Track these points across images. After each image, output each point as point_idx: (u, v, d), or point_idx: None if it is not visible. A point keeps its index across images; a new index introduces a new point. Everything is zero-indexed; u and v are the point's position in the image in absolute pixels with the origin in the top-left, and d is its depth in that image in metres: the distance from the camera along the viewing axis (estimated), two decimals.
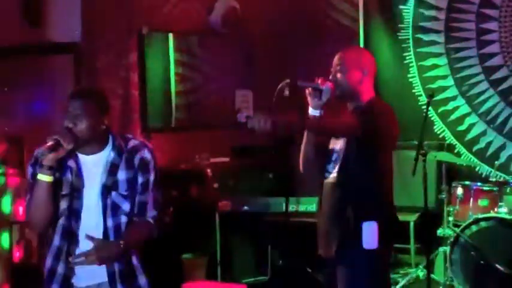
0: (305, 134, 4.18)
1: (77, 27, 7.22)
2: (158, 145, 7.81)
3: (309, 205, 6.45)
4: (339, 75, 4.11)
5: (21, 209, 6.40)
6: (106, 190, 3.69)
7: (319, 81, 4.07)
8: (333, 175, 4.10)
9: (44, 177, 3.54)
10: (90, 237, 3.58)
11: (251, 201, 6.74)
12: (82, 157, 3.70)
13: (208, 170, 7.23)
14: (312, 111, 4.07)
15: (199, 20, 8.35)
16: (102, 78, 7.46)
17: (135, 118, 7.70)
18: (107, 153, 3.71)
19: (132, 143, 3.78)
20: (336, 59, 4.16)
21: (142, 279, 3.82)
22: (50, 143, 3.48)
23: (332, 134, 4.11)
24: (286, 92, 3.82)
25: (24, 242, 6.82)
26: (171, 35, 8.05)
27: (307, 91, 4.09)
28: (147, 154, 3.76)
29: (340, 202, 4.04)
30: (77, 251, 3.67)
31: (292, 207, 6.43)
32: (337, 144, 4.14)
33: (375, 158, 4.06)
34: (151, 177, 3.77)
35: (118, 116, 7.49)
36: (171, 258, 6.93)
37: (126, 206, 3.73)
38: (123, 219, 3.73)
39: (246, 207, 6.72)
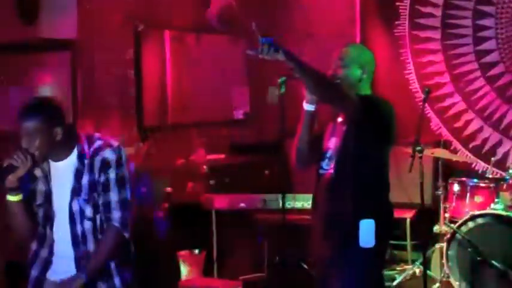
0: (300, 127, 4.14)
1: (73, 24, 7.21)
2: (154, 142, 7.84)
3: (305, 202, 6.44)
4: (339, 70, 4.10)
5: None
6: (73, 196, 3.69)
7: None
8: (328, 172, 4.09)
9: (13, 198, 3.62)
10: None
11: (247, 198, 6.73)
12: (52, 164, 3.73)
13: (205, 167, 7.23)
14: (307, 106, 4.07)
15: (196, 17, 8.35)
16: (99, 75, 7.46)
17: (131, 115, 7.69)
18: (73, 160, 3.71)
19: (96, 144, 3.73)
20: (337, 55, 4.16)
21: (116, 281, 3.78)
22: (4, 166, 3.53)
23: (331, 92, 3.93)
24: (283, 90, 3.80)
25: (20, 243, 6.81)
26: (167, 32, 8.04)
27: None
28: (108, 154, 3.69)
29: (337, 199, 4.04)
30: (53, 258, 3.74)
31: (288, 204, 6.42)
32: (332, 142, 4.13)
33: (374, 153, 4.07)
34: (112, 175, 3.70)
35: (115, 113, 7.49)
36: (168, 255, 6.94)
37: (88, 211, 3.70)
38: (87, 224, 3.70)
39: (242, 204, 6.72)
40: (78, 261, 3.69)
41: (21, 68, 7.36)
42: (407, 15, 8.31)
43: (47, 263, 3.77)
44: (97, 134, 3.82)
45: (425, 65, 8.24)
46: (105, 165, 3.68)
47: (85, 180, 3.69)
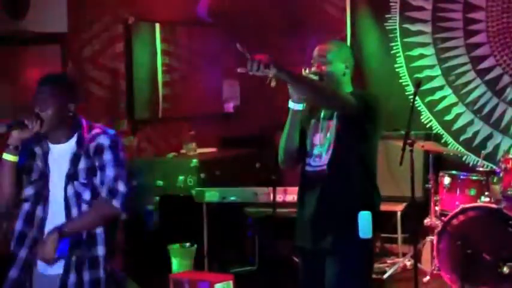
0: (288, 124, 4.09)
1: (63, 18, 7.19)
2: (145, 135, 7.84)
3: (296, 195, 6.44)
4: (324, 67, 4.07)
5: None
6: (68, 180, 3.73)
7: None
8: (319, 168, 4.07)
9: (9, 157, 3.65)
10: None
11: (238, 191, 6.73)
12: (51, 146, 3.78)
13: (195, 160, 7.22)
14: (296, 106, 4.00)
15: (186, 10, 8.34)
16: (89, 69, 7.45)
17: (122, 108, 7.69)
18: (72, 144, 3.77)
19: (94, 131, 3.80)
20: (317, 52, 4.12)
21: (100, 270, 3.77)
22: (10, 122, 3.57)
23: (330, 98, 3.94)
24: (273, 83, 3.78)
25: (9, 234, 6.78)
26: (157, 25, 8.03)
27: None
28: (103, 139, 3.77)
29: (333, 195, 4.03)
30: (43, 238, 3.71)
31: (279, 197, 6.42)
32: (318, 138, 4.11)
33: (367, 146, 4.08)
34: (108, 157, 3.75)
35: (105, 106, 7.48)
36: (158, 249, 6.93)
37: (86, 195, 3.74)
38: (84, 208, 3.74)
39: (233, 197, 6.72)
40: (70, 243, 3.70)
41: (10, 62, 7.33)
42: (397, 9, 8.31)
43: (36, 244, 3.73)
44: (98, 124, 3.90)
45: (416, 58, 8.24)
46: (100, 149, 3.76)
47: (82, 165, 3.74)
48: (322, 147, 4.08)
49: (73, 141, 3.77)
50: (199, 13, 8.33)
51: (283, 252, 6.65)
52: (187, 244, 6.97)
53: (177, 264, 6.86)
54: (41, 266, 3.75)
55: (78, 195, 3.73)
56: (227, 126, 8.56)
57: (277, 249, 6.77)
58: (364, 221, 3.96)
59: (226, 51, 8.41)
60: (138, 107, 7.79)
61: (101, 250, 3.76)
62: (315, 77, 3.96)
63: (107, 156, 3.75)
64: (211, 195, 6.78)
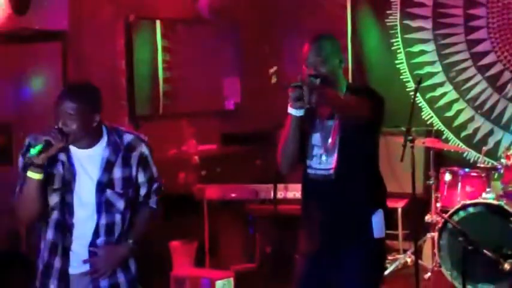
0: (288, 130, 3.95)
1: (64, 15, 7.19)
2: (146, 132, 7.81)
3: (297, 192, 6.44)
4: (321, 68, 3.92)
5: None
6: (101, 187, 3.67)
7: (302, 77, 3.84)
8: (325, 172, 3.99)
9: (34, 175, 3.52)
10: (93, 253, 3.69)
11: (239, 188, 6.73)
12: (74, 150, 3.67)
13: (196, 157, 7.22)
14: (296, 112, 3.82)
15: (187, 7, 8.33)
16: (90, 66, 7.44)
17: (122, 105, 7.68)
18: (101, 149, 3.69)
19: (127, 138, 3.75)
20: (311, 52, 3.97)
21: (132, 270, 3.85)
22: (41, 143, 3.47)
23: (352, 111, 3.85)
24: (274, 80, 3.76)
25: (12, 232, 6.80)
26: (158, 22, 8.02)
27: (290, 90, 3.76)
28: (144, 149, 3.78)
29: (343, 197, 3.97)
30: (72, 246, 3.68)
31: (280, 194, 6.42)
32: (318, 139, 4.02)
33: (373, 144, 4.06)
34: (154, 170, 3.84)
35: (105, 104, 7.46)
36: (159, 246, 6.93)
37: (120, 204, 3.71)
38: (117, 217, 3.72)
39: (233, 194, 6.72)
40: (91, 252, 3.70)
41: (11, 59, 7.33)
42: (398, 5, 8.31)
43: (68, 254, 3.70)
44: (120, 126, 3.86)
45: (417, 54, 8.24)
46: (145, 161, 3.78)
47: (118, 173, 3.69)
48: (325, 149, 4.00)
49: (102, 145, 3.69)
50: (199, 10, 8.31)
51: (284, 249, 6.65)
52: (188, 241, 6.97)
53: (178, 262, 6.86)
54: (72, 267, 3.72)
55: (109, 204, 3.68)
56: (228, 123, 8.55)
57: (278, 246, 6.77)
58: (378, 220, 3.95)
59: (226, 48, 8.41)
60: (139, 104, 7.78)
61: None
62: (316, 80, 3.81)
63: (153, 168, 3.83)
64: (212, 192, 6.78)
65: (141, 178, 3.78)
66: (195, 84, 8.28)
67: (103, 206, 3.67)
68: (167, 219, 7.15)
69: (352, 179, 3.96)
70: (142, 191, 3.81)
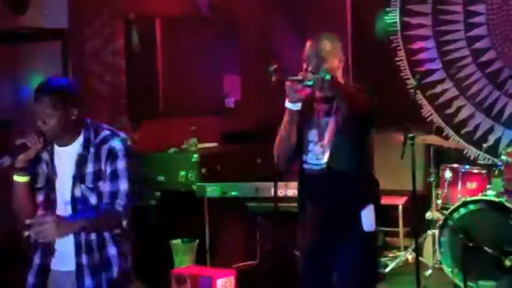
0: (286, 124, 4.04)
1: (64, 14, 7.19)
2: (146, 131, 7.82)
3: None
4: (320, 66, 3.96)
5: None
6: (75, 182, 3.69)
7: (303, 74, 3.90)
8: (319, 166, 4.06)
9: (20, 178, 3.59)
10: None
11: (239, 186, 6.73)
12: (56, 148, 3.72)
13: (196, 156, 7.21)
14: (293, 106, 3.94)
15: (186, 5, 8.32)
16: (90, 65, 7.44)
17: (122, 104, 7.68)
18: (78, 145, 3.70)
19: (103, 134, 3.73)
20: (311, 50, 4.04)
21: (114, 271, 3.77)
22: (17, 145, 3.50)
23: (355, 104, 3.87)
24: (274, 78, 3.78)
25: (11, 229, 6.81)
26: (158, 21, 8.01)
27: (288, 83, 3.87)
28: (115, 143, 3.70)
29: (337, 191, 4.02)
30: (56, 243, 3.69)
31: (280, 192, 6.42)
32: (313, 135, 4.09)
33: (368, 140, 4.09)
34: (121, 166, 3.69)
35: (106, 102, 7.47)
36: (160, 244, 6.94)
37: (93, 199, 3.70)
38: (91, 213, 3.69)
39: (234, 192, 6.72)
40: (77, 248, 3.68)
41: (11, 58, 7.34)
42: (398, 2, 8.30)
43: (51, 250, 3.72)
44: (104, 124, 3.83)
45: (417, 51, 8.24)
46: (113, 154, 3.68)
47: (90, 168, 3.68)
48: (320, 145, 4.06)
49: (78, 142, 3.70)
50: (199, 8, 8.31)
51: (285, 246, 6.65)
52: (189, 239, 6.98)
53: (179, 260, 6.86)
54: (54, 263, 3.73)
55: (84, 199, 3.69)
56: (228, 121, 8.54)
57: (279, 244, 6.77)
58: (367, 214, 4.00)
59: (226, 45, 8.40)
60: (139, 103, 7.77)
61: (112, 250, 3.76)
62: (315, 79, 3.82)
63: (120, 164, 3.69)
64: (213, 190, 6.78)
65: (108, 171, 3.69)
66: (195, 82, 8.27)
67: (78, 201, 3.68)
68: (168, 217, 7.20)
69: (345, 175, 4.02)
70: (107, 187, 3.70)
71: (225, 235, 7.20)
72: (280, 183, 6.39)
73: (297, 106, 3.94)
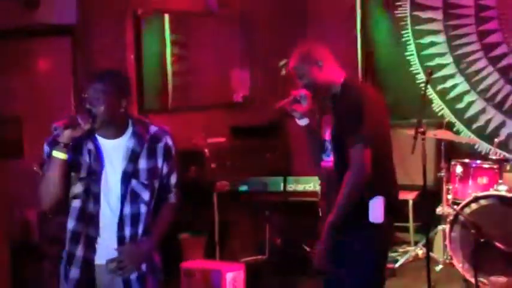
0: (306, 138, 4.24)
1: (73, 10, 7.20)
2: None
3: (306, 184, 6.44)
4: (303, 81, 4.11)
5: None
6: (127, 177, 3.70)
7: (293, 93, 4.12)
8: (329, 162, 4.15)
9: (59, 155, 3.54)
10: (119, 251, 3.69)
11: (249, 180, 6.73)
12: (102, 141, 3.70)
13: (206, 150, 7.21)
14: (301, 122, 4.16)
15: (195, 0, 8.32)
16: (99, 60, 7.44)
17: (131, 99, 7.66)
18: (126, 139, 3.72)
19: (152, 130, 3.79)
20: (291, 70, 4.19)
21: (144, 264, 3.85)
22: (66, 120, 3.50)
23: (356, 198, 4.02)
24: (283, 72, 3.79)
25: (23, 222, 6.84)
26: (167, 16, 8.01)
27: (287, 108, 4.12)
28: (169, 141, 3.80)
29: (338, 185, 4.04)
30: (99, 236, 3.71)
31: (290, 187, 6.42)
32: (328, 133, 4.17)
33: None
34: (175, 161, 3.84)
35: None
36: (170, 238, 6.92)
37: (145, 195, 3.74)
38: (142, 208, 3.75)
39: (244, 187, 6.71)
40: (120, 242, 3.71)
41: (21, 54, 7.36)
42: None
43: (93, 243, 3.72)
44: (144, 118, 3.92)
45: (427, 46, 8.20)
46: (168, 152, 3.79)
47: (143, 164, 3.73)
48: (329, 142, 4.17)
49: (127, 136, 3.72)
50: (208, 2, 8.30)
51: (294, 241, 6.64)
52: (198, 233, 6.98)
53: (188, 254, 6.86)
54: (98, 257, 3.73)
55: (135, 194, 3.71)
56: (237, 116, 8.53)
57: (288, 238, 6.76)
58: (375, 205, 4.01)
59: (235, 40, 8.39)
60: (148, 98, 7.77)
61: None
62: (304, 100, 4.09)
63: (174, 160, 3.83)
64: (222, 184, 6.79)
65: (165, 170, 3.80)
66: (204, 77, 8.27)
67: (128, 196, 3.70)
68: (177, 211, 7.20)
69: (342, 170, 4.03)
70: (165, 183, 3.83)
71: (234, 229, 7.20)
72: (289, 178, 6.40)
73: (305, 121, 4.15)
